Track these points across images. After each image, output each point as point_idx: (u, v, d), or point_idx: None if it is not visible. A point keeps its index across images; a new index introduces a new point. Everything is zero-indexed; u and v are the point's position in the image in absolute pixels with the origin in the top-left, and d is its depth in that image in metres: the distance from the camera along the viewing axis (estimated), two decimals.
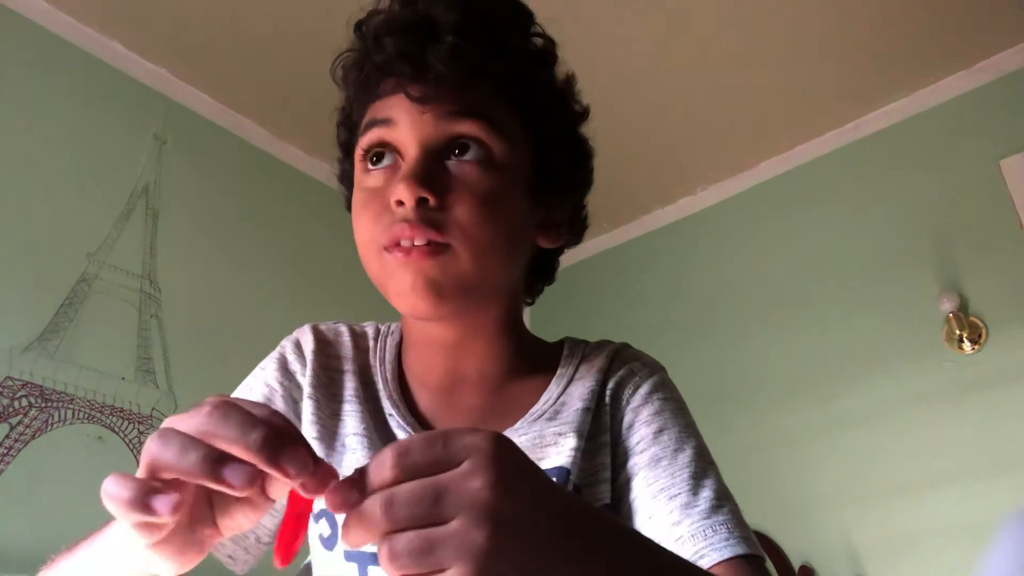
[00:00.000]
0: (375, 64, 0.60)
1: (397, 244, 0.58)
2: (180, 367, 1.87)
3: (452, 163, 0.59)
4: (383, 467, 0.36)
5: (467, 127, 0.59)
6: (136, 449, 1.75)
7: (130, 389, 1.78)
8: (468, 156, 0.59)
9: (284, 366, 0.70)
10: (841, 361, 2.10)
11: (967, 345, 1.92)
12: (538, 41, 0.66)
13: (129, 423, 1.76)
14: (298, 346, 0.71)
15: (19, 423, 1.57)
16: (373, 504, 0.35)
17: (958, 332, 1.92)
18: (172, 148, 2.04)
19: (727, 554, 0.56)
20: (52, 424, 1.63)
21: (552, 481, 0.40)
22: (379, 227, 0.59)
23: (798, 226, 2.33)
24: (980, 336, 1.91)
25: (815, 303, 2.21)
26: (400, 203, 0.57)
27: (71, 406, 1.67)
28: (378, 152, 0.61)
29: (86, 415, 1.69)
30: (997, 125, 2.05)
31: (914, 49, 2.07)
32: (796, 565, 1.98)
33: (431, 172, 0.57)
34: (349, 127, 0.68)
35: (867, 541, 1.91)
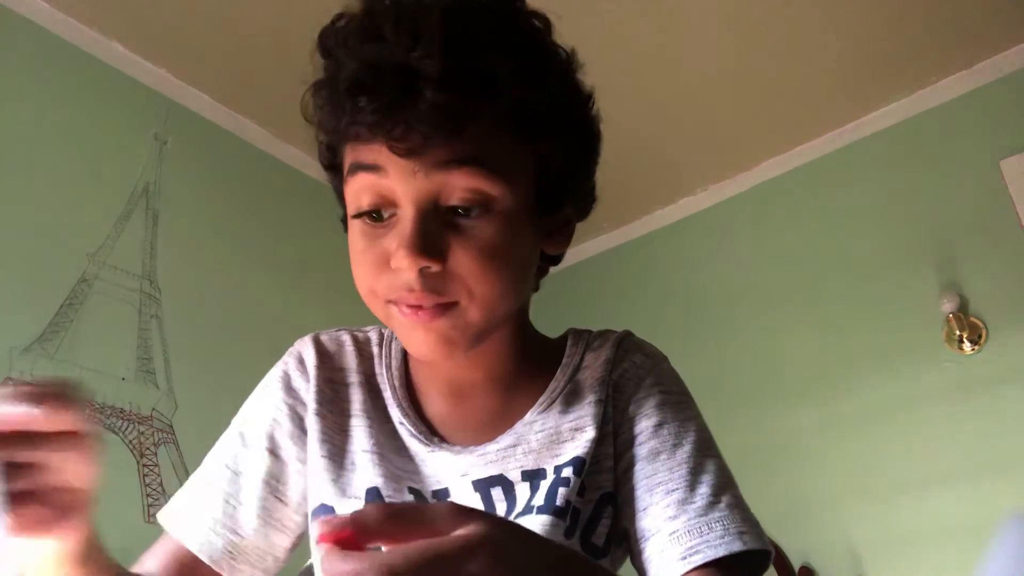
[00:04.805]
0: (352, 120, 0.55)
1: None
2: (180, 367, 1.87)
3: (449, 216, 0.56)
4: (377, 522, 0.36)
5: (461, 178, 0.55)
6: (136, 449, 1.75)
7: (130, 389, 1.78)
8: (465, 207, 0.56)
9: (288, 384, 0.70)
10: (841, 361, 2.10)
11: (967, 345, 1.92)
12: (526, 32, 0.59)
13: (129, 423, 1.75)
14: (301, 361, 0.71)
15: None
16: (375, 565, 0.35)
17: (958, 332, 1.92)
18: (172, 148, 2.04)
19: (721, 552, 0.56)
20: None
21: (545, 552, 0.42)
22: (379, 283, 0.58)
23: (798, 227, 2.33)
24: (980, 336, 1.91)
25: (815, 303, 2.21)
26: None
27: None
28: (374, 210, 0.58)
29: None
30: (997, 125, 2.05)
31: (914, 49, 2.07)
32: (796, 565, 1.98)
33: (429, 234, 0.55)
34: (331, 148, 0.63)
35: (867, 541, 1.91)
